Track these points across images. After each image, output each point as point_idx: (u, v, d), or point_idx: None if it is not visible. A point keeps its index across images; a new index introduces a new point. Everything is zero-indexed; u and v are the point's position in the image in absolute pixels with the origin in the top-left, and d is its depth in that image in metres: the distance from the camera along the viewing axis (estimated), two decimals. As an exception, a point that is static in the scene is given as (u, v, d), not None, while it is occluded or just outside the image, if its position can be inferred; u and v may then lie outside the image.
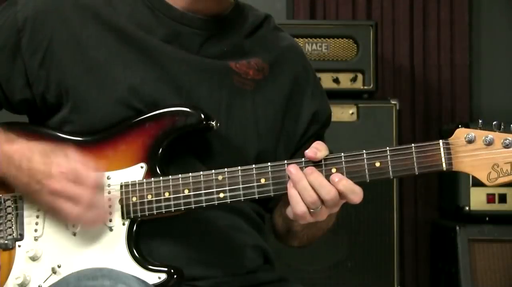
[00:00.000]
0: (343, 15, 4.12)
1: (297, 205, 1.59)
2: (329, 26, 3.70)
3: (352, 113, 3.53)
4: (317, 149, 1.61)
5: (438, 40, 4.15)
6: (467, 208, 3.60)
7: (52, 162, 1.65)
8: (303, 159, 1.62)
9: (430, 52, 4.15)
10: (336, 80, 3.61)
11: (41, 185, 1.65)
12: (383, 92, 4.01)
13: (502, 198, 3.59)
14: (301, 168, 1.60)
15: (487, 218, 3.59)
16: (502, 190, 3.59)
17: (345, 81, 3.62)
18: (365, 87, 3.62)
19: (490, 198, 3.59)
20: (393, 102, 3.55)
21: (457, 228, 3.56)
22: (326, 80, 3.60)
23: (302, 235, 1.83)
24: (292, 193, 1.60)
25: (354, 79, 3.62)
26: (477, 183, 3.54)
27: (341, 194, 1.58)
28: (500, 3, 4.25)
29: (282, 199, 1.68)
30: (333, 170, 1.61)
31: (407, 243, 4.07)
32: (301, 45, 3.56)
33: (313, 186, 1.58)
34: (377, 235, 3.49)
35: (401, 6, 4.14)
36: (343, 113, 3.52)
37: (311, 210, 1.59)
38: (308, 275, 3.42)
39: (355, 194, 1.58)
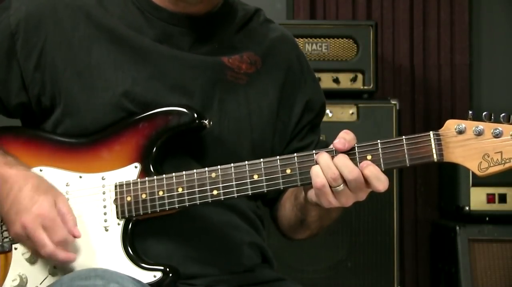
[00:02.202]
0: (343, 15, 4.12)
1: (317, 178, 1.58)
2: (329, 26, 3.69)
3: (352, 113, 3.53)
4: (345, 139, 1.60)
5: (438, 40, 4.15)
6: (467, 208, 3.60)
7: (37, 201, 1.65)
8: (313, 151, 1.62)
9: (430, 52, 4.15)
10: (336, 80, 3.61)
11: (17, 216, 1.65)
12: (383, 92, 4.01)
13: (502, 198, 3.59)
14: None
15: (487, 218, 3.59)
16: (502, 190, 3.59)
17: (345, 81, 3.62)
18: (365, 87, 3.62)
19: (490, 198, 3.59)
20: (393, 102, 3.55)
21: (457, 228, 3.56)
22: (326, 80, 3.61)
23: (314, 226, 1.82)
24: (314, 168, 1.59)
25: (354, 79, 3.62)
26: (477, 183, 3.55)
27: (366, 179, 1.57)
28: (500, 3, 4.25)
29: (302, 188, 1.68)
30: None
31: (407, 243, 4.07)
32: (301, 45, 3.56)
33: (336, 165, 1.58)
34: (377, 235, 3.48)
35: (401, 6, 4.14)
36: (343, 113, 3.52)
37: (333, 188, 1.58)
38: (308, 275, 3.42)
39: (380, 181, 1.57)
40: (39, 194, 1.66)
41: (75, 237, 1.65)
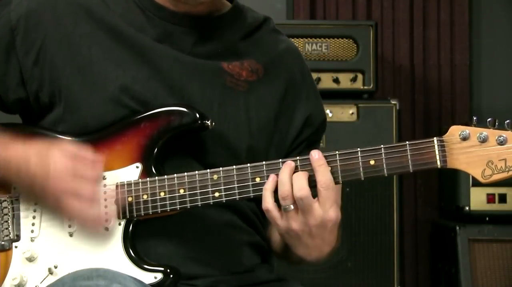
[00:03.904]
0: (343, 15, 4.12)
1: (266, 198, 1.60)
2: (329, 26, 3.70)
3: (352, 113, 3.53)
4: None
5: (438, 40, 4.15)
6: (467, 208, 3.60)
7: (48, 163, 1.64)
8: (298, 157, 1.62)
9: (430, 52, 4.16)
10: (336, 80, 3.62)
11: (42, 189, 1.65)
12: (383, 92, 4.01)
13: (502, 198, 3.59)
14: (296, 167, 1.61)
15: (487, 218, 3.60)
16: (502, 190, 3.59)
17: (345, 81, 3.63)
18: (365, 87, 3.63)
19: (490, 198, 3.59)
20: (393, 102, 3.55)
21: (457, 228, 3.56)
22: (326, 80, 3.61)
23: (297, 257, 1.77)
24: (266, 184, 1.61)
25: (354, 79, 3.63)
26: (477, 183, 3.55)
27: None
28: (500, 3, 4.25)
29: None
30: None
31: (407, 243, 4.07)
32: (301, 45, 3.56)
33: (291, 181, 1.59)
34: (377, 235, 3.49)
35: (401, 6, 4.14)
36: (343, 113, 3.53)
37: (282, 207, 1.59)
38: (308, 275, 3.43)
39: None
40: (45, 157, 1.65)
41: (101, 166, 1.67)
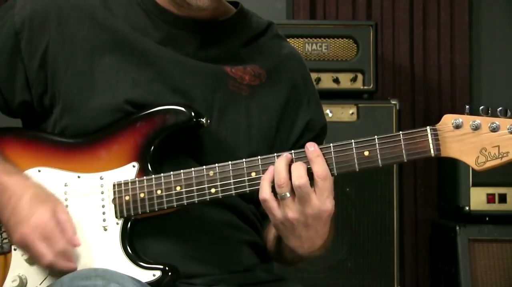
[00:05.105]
0: (343, 15, 4.12)
1: (263, 188, 1.60)
2: (329, 26, 3.70)
3: (352, 113, 3.53)
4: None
5: (438, 40, 4.15)
6: (467, 208, 3.60)
7: (35, 212, 1.65)
8: (292, 151, 1.63)
9: (430, 52, 4.16)
10: (336, 80, 3.61)
11: (16, 227, 1.65)
12: (383, 92, 4.01)
13: (502, 198, 3.59)
14: (292, 160, 1.62)
15: (487, 218, 3.60)
16: (502, 190, 3.59)
17: (345, 81, 3.63)
18: (365, 87, 3.63)
19: (490, 198, 3.59)
20: (393, 102, 3.55)
21: (457, 228, 3.56)
22: (326, 80, 3.61)
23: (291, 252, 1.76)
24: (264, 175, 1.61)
25: (354, 79, 3.63)
26: (477, 183, 3.55)
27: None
28: (500, 3, 4.25)
29: None
30: None
31: (407, 243, 4.07)
32: (301, 45, 3.56)
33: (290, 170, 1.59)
34: (377, 235, 3.49)
35: (401, 6, 4.14)
36: (343, 113, 3.53)
37: (278, 195, 1.59)
38: (308, 275, 3.42)
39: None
40: (37, 204, 1.66)
41: (74, 246, 1.66)
